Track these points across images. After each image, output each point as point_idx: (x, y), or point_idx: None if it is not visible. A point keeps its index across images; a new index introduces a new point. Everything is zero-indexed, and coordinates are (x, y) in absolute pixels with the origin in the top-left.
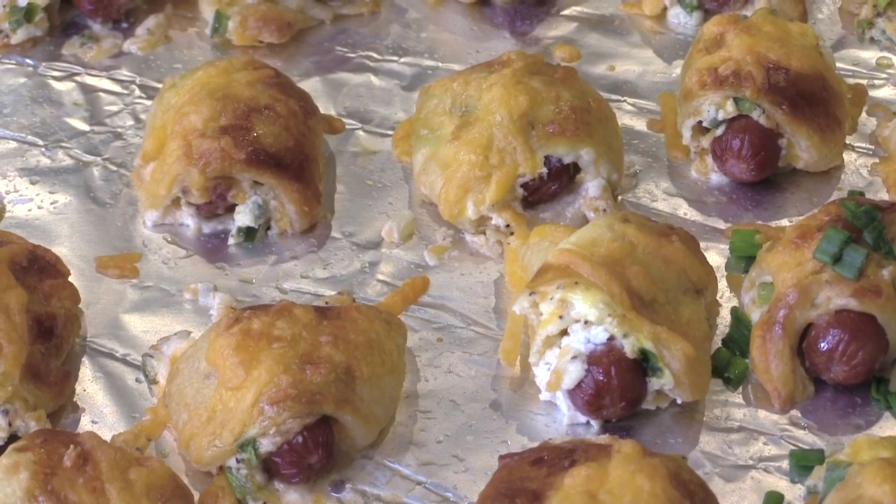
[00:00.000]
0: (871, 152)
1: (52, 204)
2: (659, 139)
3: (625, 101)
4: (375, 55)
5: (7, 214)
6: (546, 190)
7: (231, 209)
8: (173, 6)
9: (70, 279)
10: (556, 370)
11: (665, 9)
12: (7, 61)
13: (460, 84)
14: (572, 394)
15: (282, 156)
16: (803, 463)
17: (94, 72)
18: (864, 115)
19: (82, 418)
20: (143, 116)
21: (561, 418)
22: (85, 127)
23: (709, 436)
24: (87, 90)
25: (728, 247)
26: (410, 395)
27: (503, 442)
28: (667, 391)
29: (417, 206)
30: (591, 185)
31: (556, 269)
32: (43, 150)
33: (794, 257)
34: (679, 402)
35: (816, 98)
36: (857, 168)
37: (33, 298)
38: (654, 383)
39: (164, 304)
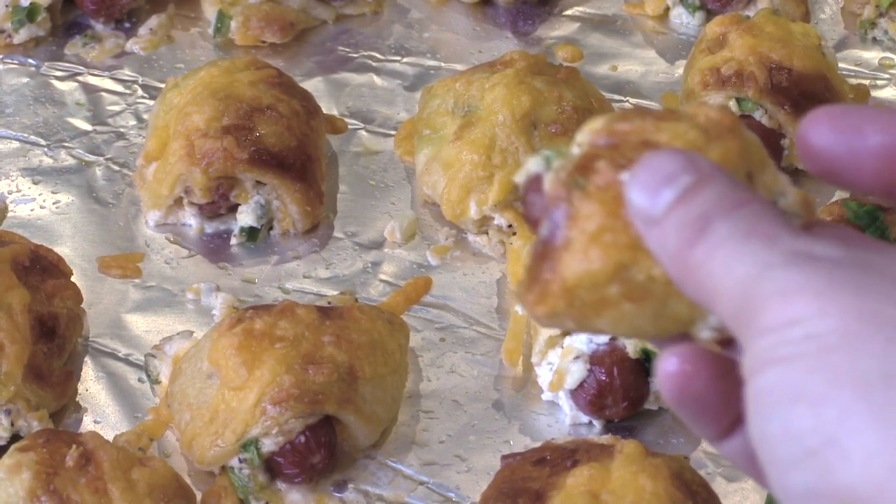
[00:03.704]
0: None
1: (54, 204)
2: None
3: (627, 101)
4: (378, 55)
5: (9, 214)
6: None
7: (233, 209)
8: (176, 6)
9: (72, 279)
10: (559, 370)
11: (667, 9)
12: (9, 61)
13: (463, 84)
14: (575, 394)
15: (284, 156)
16: None
17: (96, 72)
18: None
19: (84, 418)
20: (145, 116)
21: (563, 418)
22: (87, 127)
23: None
24: (89, 90)
25: None
26: (413, 395)
27: (506, 442)
28: None
29: (420, 206)
30: None
31: None
32: (45, 149)
33: None
34: None
35: (819, 98)
36: None
37: (36, 298)
38: (656, 383)
39: (166, 304)
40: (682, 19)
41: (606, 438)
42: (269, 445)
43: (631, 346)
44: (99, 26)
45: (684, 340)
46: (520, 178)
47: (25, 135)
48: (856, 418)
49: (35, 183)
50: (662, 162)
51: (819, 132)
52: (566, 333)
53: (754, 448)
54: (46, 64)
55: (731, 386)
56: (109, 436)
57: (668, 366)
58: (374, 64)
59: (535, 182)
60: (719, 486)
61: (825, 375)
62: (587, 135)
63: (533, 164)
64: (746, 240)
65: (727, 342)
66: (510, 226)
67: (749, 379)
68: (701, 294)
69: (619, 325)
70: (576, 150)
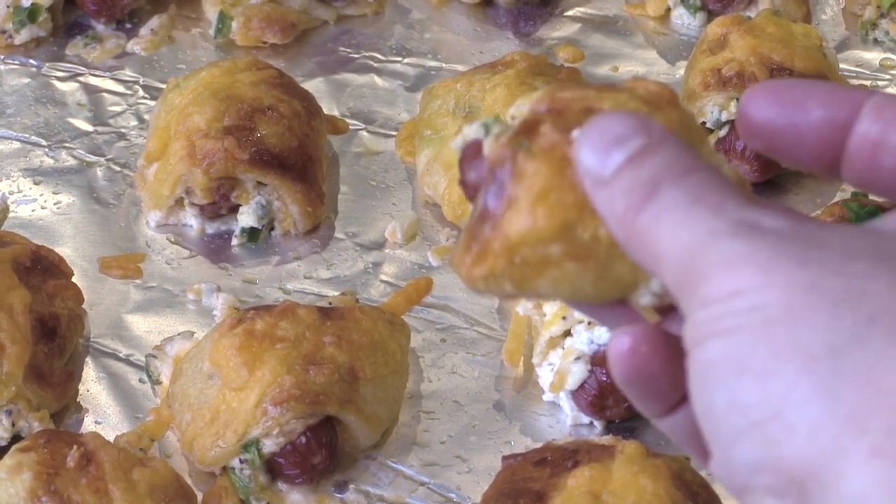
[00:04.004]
0: None
1: (55, 204)
2: None
3: None
4: (379, 56)
5: (10, 215)
6: None
7: (234, 210)
8: (177, 7)
9: (73, 279)
10: (560, 371)
11: (668, 10)
12: (10, 62)
13: (464, 85)
14: (575, 395)
15: (285, 156)
16: None
17: (97, 72)
18: None
19: (86, 419)
20: (146, 117)
21: (564, 419)
22: (88, 127)
23: None
24: (90, 91)
25: None
26: (414, 396)
27: (507, 442)
28: None
29: (421, 206)
30: None
31: None
32: (46, 150)
33: None
34: None
35: None
36: None
37: (37, 299)
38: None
39: (167, 304)
40: (684, 20)
41: (607, 439)
42: (269, 446)
43: None
44: (100, 27)
45: (621, 308)
46: (456, 144)
47: (26, 135)
48: (801, 391)
49: (36, 183)
50: (614, 123)
51: (760, 106)
52: (567, 334)
53: (698, 422)
54: (47, 64)
55: (680, 366)
56: (110, 436)
57: (620, 345)
58: (375, 65)
59: (473, 148)
60: (720, 486)
61: (770, 348)
62: (527, 104)
63: (471, 131)
64: (694, 206)
65: (666, 310)
66: None
67: (692, 349)
68: (646, 258)
69: (560, 286)
70: (512, 121)
